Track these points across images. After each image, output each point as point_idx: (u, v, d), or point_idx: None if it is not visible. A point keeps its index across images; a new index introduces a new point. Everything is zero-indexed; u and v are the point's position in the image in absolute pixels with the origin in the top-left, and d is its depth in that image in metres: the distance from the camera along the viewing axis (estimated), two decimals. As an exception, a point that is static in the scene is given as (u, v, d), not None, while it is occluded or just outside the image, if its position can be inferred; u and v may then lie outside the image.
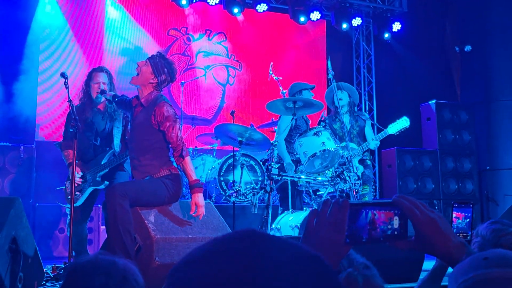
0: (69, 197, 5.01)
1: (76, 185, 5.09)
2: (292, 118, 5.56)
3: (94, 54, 9.41)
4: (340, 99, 6.34)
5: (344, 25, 10.56)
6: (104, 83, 5.25)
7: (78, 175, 5.18)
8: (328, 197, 6.37)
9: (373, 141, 6.28)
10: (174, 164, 4.54)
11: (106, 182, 5.19)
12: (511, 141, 9.92)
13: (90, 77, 5.28)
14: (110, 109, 5.29)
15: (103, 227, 7.35)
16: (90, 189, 5.19)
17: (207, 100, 10.25)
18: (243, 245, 0.72)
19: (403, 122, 6.34)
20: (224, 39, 10.61)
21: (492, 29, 10.50)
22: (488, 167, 10.18)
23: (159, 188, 4.33)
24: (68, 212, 5.33)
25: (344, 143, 5.69)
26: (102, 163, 5.20)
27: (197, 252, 0.75)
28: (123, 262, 1.55)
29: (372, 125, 6.71)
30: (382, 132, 6.36)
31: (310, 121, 6.64)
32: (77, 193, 5.17)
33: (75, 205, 5.12)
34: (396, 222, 1.17)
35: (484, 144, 10.25)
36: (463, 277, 1.02)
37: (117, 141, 5.29)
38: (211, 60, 10.50)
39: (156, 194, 4.31)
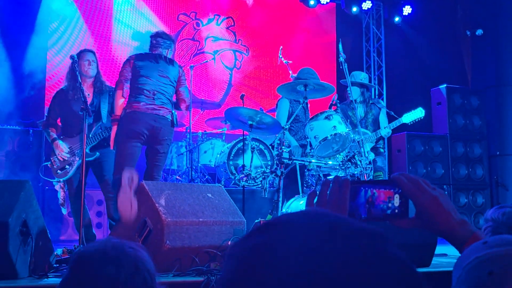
0: (58, 171, 5.65)
1: (62, 159, 5.43)
2: (303, 102, 5.52)
3: (103, 39, 9.38)
4: (349, 94, 6.31)
5: (354, 9, 10.47)
6: (92, 61, 5.85)
7: (65, 149, 5.67)
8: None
9: (385, 129, 6.25)
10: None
11: (97, 154, 5.70)
12: (522, 126, 9.84)
13: (79, 57, 5.66)
14: (99, 85, 5.89)
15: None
16: (79, 162, 5.54)
17: (215, 84, 10.22)
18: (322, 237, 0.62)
19: (418, 113, 6.29)
20: (233, 24, 10.57)
21: (503, 13, 10.37)
22: (498, 153, 10.11)
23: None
24: (57, 189, 5.65)
25: (356, 129, 5.65)
26: (90, 135, 5.61)
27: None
28: (134, 250, 1.46)
29: (387, 113, 6.67)
30: (396, 121, 6.33)
31: (310, 114, 6.58)
32: (67, 166, 5.49)
33: (65, 178, 5.44)
34: (396, 200, 1.17)
35: (494, 130, 10.17)
36: (467, 261, 1.03)
37: (104, 113, 5.78)
38: (219, 45, 10.47)
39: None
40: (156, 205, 4.06)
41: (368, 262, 0.59)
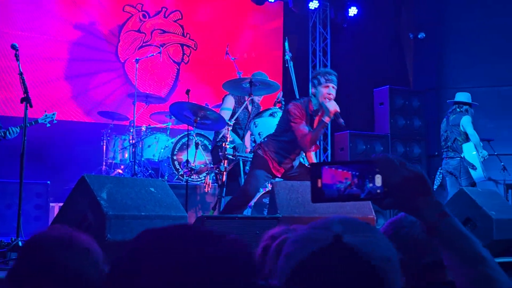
0: None
1: None
2: (248, 98, 5.55)
3: (47, 25, 9.14)
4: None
5: (301, 8, 10.56)
6: None
7: None
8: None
9: None
10: None
11: None
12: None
13: None
14: None
15: (52, 204, 7.21)
16: None
17: (161, 78, 10.13)
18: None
19: None
20: (180, 17, 10.47)
21: (445, 18, 10.71)
22: (436, 153, 10.42)
23: None
24: None
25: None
26: None
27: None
28: (84, 236, 1.46)
29: None
30: None
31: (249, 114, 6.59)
32: None
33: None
34: (378, 181, 1.18)
35: (433, 131, 10.48)
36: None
37: None
38: (166, 38, 10.35)
39: None
40: (97, 198, 4.00)
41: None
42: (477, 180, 7.23)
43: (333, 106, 4.79)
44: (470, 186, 7.07)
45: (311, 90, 5.02)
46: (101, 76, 9.58)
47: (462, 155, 7.31)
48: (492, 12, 10.29)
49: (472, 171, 7.23)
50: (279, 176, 5.09)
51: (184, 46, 10.48)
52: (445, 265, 1.59)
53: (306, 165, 5.35)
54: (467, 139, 7.29)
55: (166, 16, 10.37)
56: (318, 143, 5.71)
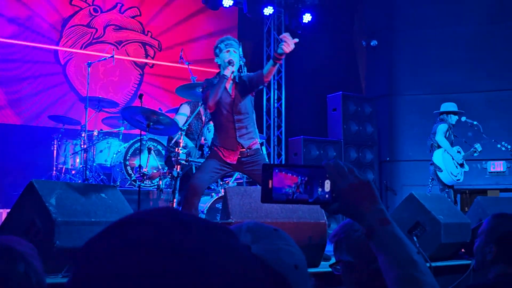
0: None
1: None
2: (202, 104, 5.52)
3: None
4: None
5: (256, 13, 10.60)
6: None
7: None
8: (235, 183, 6.41)
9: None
10: None
11: None
12: (410, 134, 10.40)
13: None
14: None
15: (0, 210, 7.03)
16: None
17: (122, 81, 9.79)
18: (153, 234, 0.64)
19: None
20: (139, 14, 10.11)
21: (396, 26, 10.93)
22: (388, 158, 10.62)
23: None
24: None
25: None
26: None
27: (100, 243, 0.67)
28: (21, 246, 1.41)
29: None
30: None
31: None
32: None
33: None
34: (327, 186, 1.20)
35: (385, 136, 10.69)
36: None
37: None
38: (124, 35, 9.94)
39: None
40: (46, 204, 3.92)
41: (216, 253, 0.63)
42: (449, 183, 7.59)
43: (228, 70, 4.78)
44: (448, 190, 7.64)
45: (216, 61, 4.98)
46: (40, 79, 9.12)
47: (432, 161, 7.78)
48: (442, 21, 10.55)
49: (441, 175, 7.65)
50: (234, 162, 4.90)
51: (147, 46, 10.17)
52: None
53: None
54: (439, 146, 7.72)
55: (122, 11, 9.93)
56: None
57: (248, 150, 4.89)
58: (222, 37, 4.95)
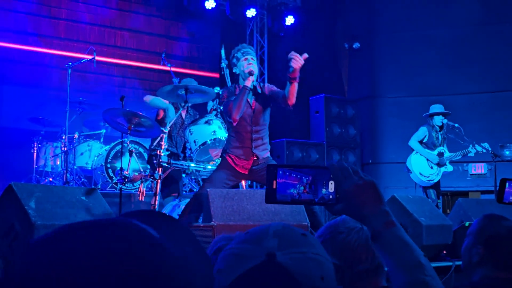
0: None
1: None
2: (184, 106, 5.49)
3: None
4: None
5: (239, 16, 10.58)
6: None
7: None
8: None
9: None
10: None
11: None
12: (393, 136, 10.44)
13: None
14: None
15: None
16: None
17: (103, 83, 9.79)
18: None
19: None
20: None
21: (378, 29, 10.98)
22: (370, 161, 10.66)
23: None
24: None
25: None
26: None
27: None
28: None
29: None
30: None
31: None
32: None
33: None
34: (331, 187, 1.21)
35: (367, 139, 10.72)
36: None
37: None
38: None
39: None
40: (25, 207, 3.86)
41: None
42: (420, 184, 7.67)
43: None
44: (427, 191, 7.74)
45: (234, 71, 4.98)
46: (21, 81, 9.08)
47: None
48: (423, 24, 10.63)
49: (411, 176, 7.80)
50: (246, 173, 4.88)
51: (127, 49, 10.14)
52: (379, 272, 1.61)
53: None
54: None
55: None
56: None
57: (261, 159, 4.91)
58: (237, 46, 4.97)
